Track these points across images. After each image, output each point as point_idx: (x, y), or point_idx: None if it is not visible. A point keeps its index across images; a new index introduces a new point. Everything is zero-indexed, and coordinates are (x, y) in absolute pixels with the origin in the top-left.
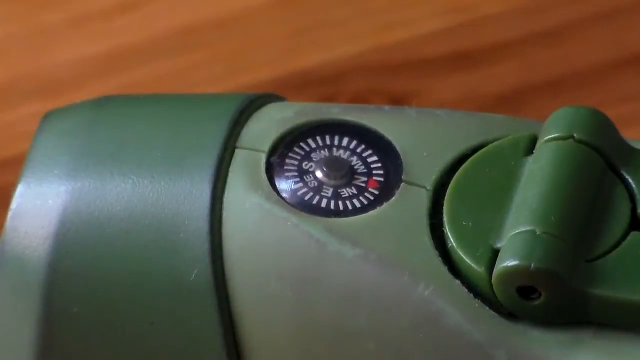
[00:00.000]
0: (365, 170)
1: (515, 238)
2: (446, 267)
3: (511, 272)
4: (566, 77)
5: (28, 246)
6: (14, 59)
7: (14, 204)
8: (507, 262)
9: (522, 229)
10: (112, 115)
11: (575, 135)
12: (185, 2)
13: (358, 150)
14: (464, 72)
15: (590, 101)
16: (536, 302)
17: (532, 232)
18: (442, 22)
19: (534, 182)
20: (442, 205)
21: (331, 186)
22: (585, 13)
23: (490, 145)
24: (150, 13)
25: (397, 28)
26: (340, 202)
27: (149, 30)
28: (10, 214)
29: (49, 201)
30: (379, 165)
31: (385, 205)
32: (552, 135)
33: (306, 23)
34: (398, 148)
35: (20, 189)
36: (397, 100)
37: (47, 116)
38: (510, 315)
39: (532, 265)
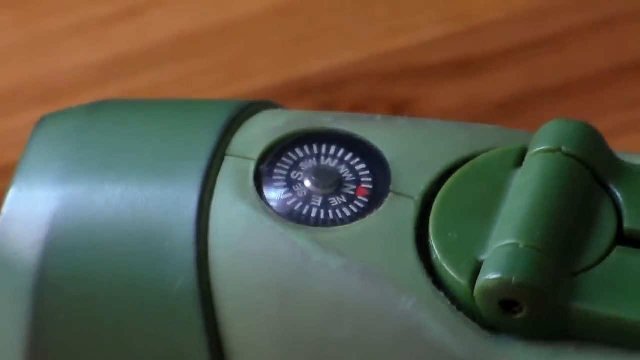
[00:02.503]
0: (353, 179)
1: (499, 251)
2: (430, 280)
3: (493, 286)
4: (567, 84)
5: (18, 251)
6: (14, 66)
7: (5, 208)
8: (489, 275)
9: (506, 242)
10: (104, 121)
11: (563, 148)
12: (184, 10)
13: (347, 159)
14: (464, 79)
15: (592, 108)
16: (518, 316)
17: (516, 245)
18: (443, 29)
19: (521, 194)
20: (430, 217)
21: (320, 195)
22: (586, 20)
23: (479, 156)
24: (149, 20)
25: (398, 35)
26: (329, 212)
27: (149, 37)
28: (1, 218)
29: (39, 207)
30: (368, 174)
31: (372, 215)
32: (541, 148)
33: (306, 30)
34: (387, 158)
35: (11, 194)
36: (398, 107)
37: (41, 121)
38: (492, 328)
39: (514, 279)
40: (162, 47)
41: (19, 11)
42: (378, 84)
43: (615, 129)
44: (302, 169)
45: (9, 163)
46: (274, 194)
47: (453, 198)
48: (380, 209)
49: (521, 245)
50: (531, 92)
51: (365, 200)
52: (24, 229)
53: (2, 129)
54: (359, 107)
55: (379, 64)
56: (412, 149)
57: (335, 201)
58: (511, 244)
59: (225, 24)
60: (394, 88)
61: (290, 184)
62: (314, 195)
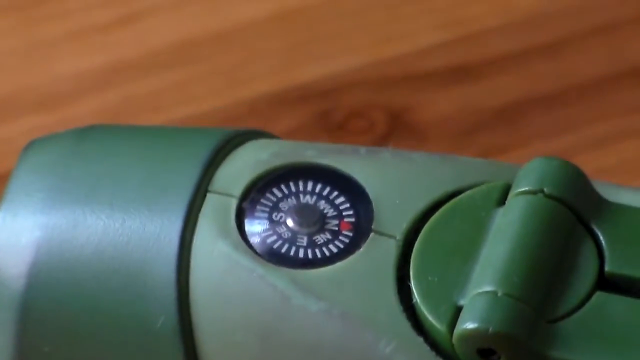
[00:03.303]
0: (335, 214)
1: (477, 299)
2: (410, 324)
3: (470, 335)
4: (565, 90)
5: (2, 282)
6: (13, 73)
7: None
8: (467, 324)
9: (484, 289)
10: (89, 151)
11: (545, 189)
12: (183, 16)
13: (329, 196)
14: (462, 85)
15: (589, 114)
16: None
17: (494, 293)
18: (441, 36)
19: (501, 238)
20: (411, 257)
21: (304, 234)
22: (583, 26)
23: (462, 194)
24: (148, 26)
25: (396, 42)
26: (310, 252)
27: (148, 43)
28: None
29: (23, 239)
30: (349, 207)
31: (353, 256)
32: (523, 189)
33: (305, 37)
34: (370, 194)
35: None
36: (396, 114)
37: (28, 147)
38: None
39: (491, 329)
40: (161, 54)
41: (16, 17)
42: (376, 91)
43: (614, 135)
44: (285, 207)
45: (6, 171)
46: (256, 233)
47: (434, 238)
48: (362, 249)
49: (499, 294)
50: (529, 99)
51: (349, 235)
52: (8, 261)
53: (0, 137)
54: (357, 114)
55: (377, 71)
56: (396, 185)
57: (319, 239)
58: (489, 292)
59: (223, 30)
60: (393, 95)
61: (272, 222)
62: (296, 234)
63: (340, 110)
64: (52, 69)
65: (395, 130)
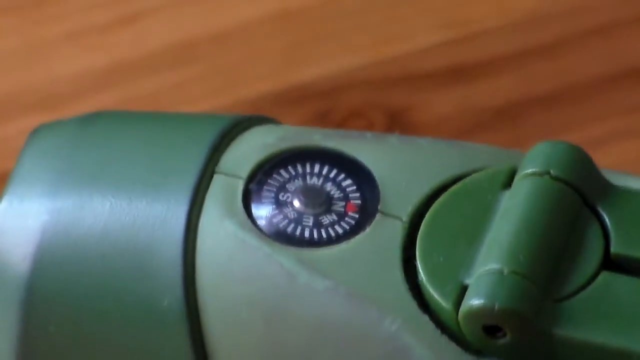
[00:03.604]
0: (342, 196)
1: (483, 276)
2: (415, 302)
3: (476, 311)
4: (564, 90)
5: (8, 264)
6: (12, 73)
7: None
8: (472, 301)
9: (491, 267)
10: (96, 135)
11: (551, 171)
12: (183, 16)
13: (336, 178)
14: (462, 86)
15: (587, 115)
16: (502, 341)
17: (500, 271)
18: (440, 36)
19: (508, 218)
20: (417, 238)
21: (310, 215)
22: (582, 27)
23: (468, 177)
24: (148, 27)
25: (395, 42)
26: (316, 232)
27: (147, 44)
28: None
29: (29, 221)
30: (356, 190)
31: (359, 236)
32: (529, 171)
33: (304, 37)
34: (377, 177)
35: (2, 206)
36: (395, 114)
37: (35, 132)
38: (477, 352)
39: (497, 305)
40: (160, 54)
41: (16, 18)
42: (375, 91)
43: (611, 135)
44: (291, 188)
45: (5, 171)
46: (262, 213)
47: (441, 219)
48: (368, 230)
49: (505, 272)
50: (528, 99)
51: (356, 216)
52: (14, 242)
53: None
54: (356, 114)
55: (376, 71)
56: (402, 168)
57: (325, 219)
58: (495, 270)
59: (222, 31)
60: (391, 95)
61: (279, 203)
62: (302, 215)
63: (339, 110)
64: (52, 69)
65: (394, 130)
